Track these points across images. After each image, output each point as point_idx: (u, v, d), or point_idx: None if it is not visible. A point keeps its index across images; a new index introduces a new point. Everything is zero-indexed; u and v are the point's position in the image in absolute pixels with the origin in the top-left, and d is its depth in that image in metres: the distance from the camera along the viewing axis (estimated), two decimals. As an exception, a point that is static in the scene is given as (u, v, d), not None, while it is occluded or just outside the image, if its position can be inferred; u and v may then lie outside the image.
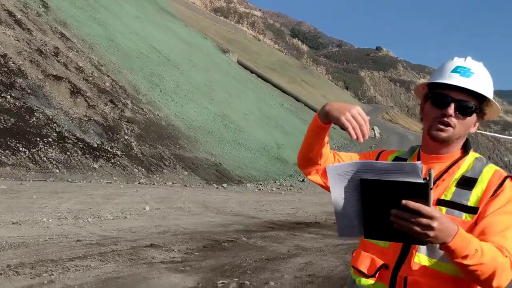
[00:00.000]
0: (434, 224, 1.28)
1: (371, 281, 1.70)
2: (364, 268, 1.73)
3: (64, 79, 19.32)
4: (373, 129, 40.98)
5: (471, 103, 1.67)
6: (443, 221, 1.31)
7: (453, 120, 1.67)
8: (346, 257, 7.43)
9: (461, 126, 1.69)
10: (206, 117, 27.15)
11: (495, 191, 1.58)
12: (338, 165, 1.44)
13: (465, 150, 1.74)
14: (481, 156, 1.74)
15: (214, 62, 39.05)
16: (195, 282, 5.52)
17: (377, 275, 1.69)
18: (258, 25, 78.66)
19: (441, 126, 1.67)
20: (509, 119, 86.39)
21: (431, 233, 1.30)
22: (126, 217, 10.07)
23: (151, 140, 20.41)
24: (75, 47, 22.99)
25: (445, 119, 1.66)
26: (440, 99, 1.69)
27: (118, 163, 17.24)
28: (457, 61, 1.74)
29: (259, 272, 6.17)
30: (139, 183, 16.54)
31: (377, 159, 1.94)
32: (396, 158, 1.87)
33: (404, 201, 1.27)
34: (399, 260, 1.62)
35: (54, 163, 14.89)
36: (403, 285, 1.59)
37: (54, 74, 19.11)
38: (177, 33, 39.15)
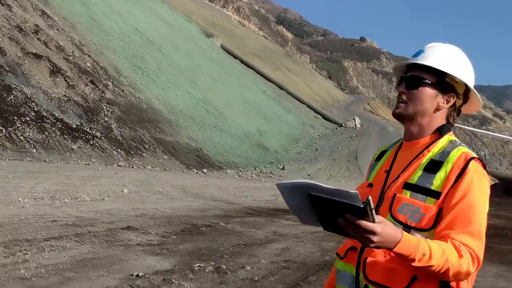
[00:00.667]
0: (374, 238, 1.37)
1: (342, 263, 1.79)
2: (339, 250, 1.85)
3: (44, 58, 18.96)
4: (354, 119, 41.25)
5: (421, 76, 1.70)
6: (384, 234, 1.38)
7: (404, 96, 1.72)
8: (322, 244, 7.52)
9: (414, 100, 1.70)
10: (188, 102, 26.99)
11: (459, 175, 1.57)
12: (288, 183, 1.46)
13: (440, 134, 1.72)
14: (456, 139, 1.71)
15: (198, 46, 38.74)
16: (171, 265, 5.52)
17: (346, 257, 1.78)
18: (244, 11, 78.14)
19: (397, 104, 1.75)
20: (487, 114, 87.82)
21: (372, 244, 1.40)
22: (103, 199, 9.99)
23: (131, 122, 20.23)
24: (56, 26, 22.55)
25: (399, 97, 1.74)
26: (397, 81, 1.78)
27: (97, 144, 17.06)
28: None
29: (236, 256, 6.20)
30: (118, 165, 16.41)
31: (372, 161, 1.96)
32: (381, 152, 1.91)
33: (347, 215, 1.36)
34: None
35: (31, 142, 14.66)
36: (362, 266, 1.67)
37: (34, 52, 18.74)
38: (161, 16, 38.66)
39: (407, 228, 1.55)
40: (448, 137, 1.72)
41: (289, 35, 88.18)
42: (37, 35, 20.11)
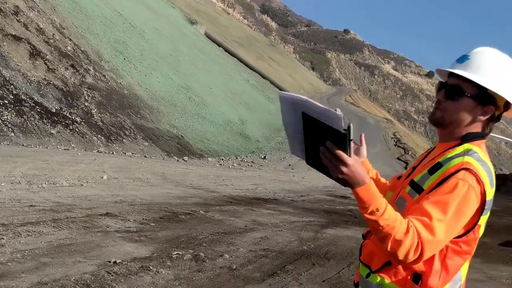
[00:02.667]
0: (344, 169, 1.46)
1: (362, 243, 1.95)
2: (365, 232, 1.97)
3: (23, 40, 18.58)
4: (335, 110, 41.48)
5: (461, 86, 1.67)
6: (353, 169, 1.47)
7: (443, 104, 1.71)
8: (300, 234, 7.58)
9: (451, 109, 1.70)
10: (170, 88, 26.78)
11: (445, 178, 1.59)
12: (289, 95, 1.53)
13: (462, 141, 1.70)
14: (475, 149, 1.67)
15: (181, 33, 38.38)
16: (149, 252, 5.52)
17: (366, 237, 1.92)
18: (228, -1, 77.50)
19: (434, 110, 1.75)
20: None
21: (340, 175, 1.48)
22: (82, 184, 9.90)
23: (112, 108, 20.01)
24: (36, 7, 22.08)
25: (438, 103, 1.74)
26: (437, 86, 1.77)
27: (76, 130, 16.85)
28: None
29: (214, 244, 6.23)
30: (98, 151, 16.25)
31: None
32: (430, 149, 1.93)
33: (328, 142, 1.45)
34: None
35: (9, 126, 14.41)
36: (360, 247, 1.88)
37: (13, 34, 18.34)
38: (145, 1, 38.15)
39: None
40: (468, 145, 1.68)
41: (273, 24, 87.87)
42: (17, 16, 19.68)
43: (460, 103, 1.68)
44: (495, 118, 1.73)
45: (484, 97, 1.66)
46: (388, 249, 1.52)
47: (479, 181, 1.58)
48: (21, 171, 10.04)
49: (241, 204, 10.30)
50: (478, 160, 1.63)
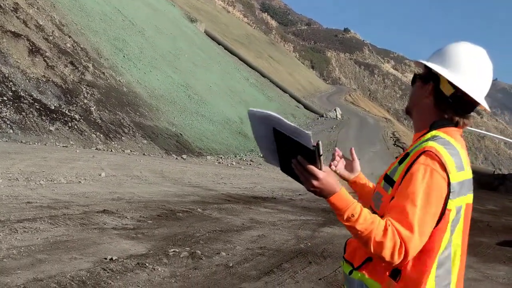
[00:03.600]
0: (315, 182, 1.51)
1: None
2: None
3: (22, 37, 18.56)
4: (335, 110, 41.47)
5: (424, 72, 1.76)
6: (324, 181, 1.51)
7: (410, 93, 1.84)
8: (297, 232, 7.58)
9: (411, 95, 1.82)
10: (169, 86, 26.76)
11: (409, 166, 1.60)
12: (258, 111, 1.56)
13: (430, 128, 1.71)
14: (442, 135, 1.67)
15: (181, 31, 38.34)
16: (146, 249, 5.52)
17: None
18: (228, -3, 77.42)
19: None
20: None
21: (312, 188, 1.53)
22: (80, 182, 9.90)
23: (111, 106, 20.00)
24: (36, 4, 22.05)
25: None
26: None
27: (75, 127, 16.84)
28: None
29: (211, 242, 6.22)
30: (97, 149, 16.24)
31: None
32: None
33: (299, 157, 1.50)
34: None
35: (8, 123, 14.40)
36: (345, 245, 1.91)
37: (13, 30, 18.32)
38: (144, -2, 38.09)
39: (374, 214, 1.60)
40: (436, 132, 1.69)
41: (273, 23, 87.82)
42: (16, 13, 19.65)
43: (415, 86, 1.79)
44: (452, 104, 1.68)
45: (428, 76, 1.73)
46: (372, 251, 1.53)
47: (441, 163, 1.57)
48: (19, 168, 10.03)
49: (239, 202, 10.29)
50: (443, 144, 1.62)
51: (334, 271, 5.49)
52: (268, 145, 1.61)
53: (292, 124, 1.47)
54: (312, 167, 1.49)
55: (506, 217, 13.35)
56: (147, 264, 4.94)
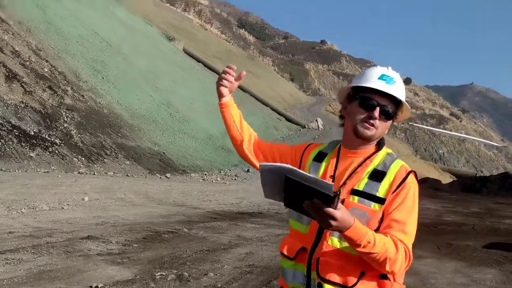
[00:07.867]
0: (334, 223, 1.59)
1: (292, 262, 1.97)
2: (286, 251, 2.01)
3: (-2, 63, 18.34)
4: (316, 120, 41.70)
5: (392, 108, 1.90)
6: (341, 220, 1.59)
7: (377, 122, 1.89)
8: (286, 247, 7.54)
9: (383, 128, 1.92)
10: (150, 106, 26.64)
11: (399, 185, 1.83)
12: (269, 164, 1.66)
13: (378, 146, 1.96)
14: (392, 152, 1.96)
15: (159, 50, 38.32)
16: (132, 274, 5.43)
17: (297, 257, 1.94)
18: (205, 14, 77.75)
19: (368, 125, 1.89)
20: (444, 113, 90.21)
21: (330, 227, 1.62)
22: (63, 208, 9.75)
23: (92, 128, 19.82)
24: (11, 30, 21.87)
25: (371, 120, 1.88)
26: (368, 102, 1.89)
27: (56, 151, 16.63)
28: (381, 70, 1.94)
29: (199, 263, 6.16)
30: (79, 172, 16.04)
31: (304, 151, 2.17)
32: (319, 153, 2.11)
33: (315, 200, 1.56)
34: (315, 243, 1.87)
35: (-14, 151, 14.15)
36: (315, 265, 1.85)
37: (-13, 57, 18.11)
38: (121, 19, 38.04)
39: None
40: (385, 150, 1.96)
41: (251, 38, 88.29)
42: (-9, 39, 19.45)
43: (388, 122, 1.93)
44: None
45: (395, 114, 1.95)
46: (387, 269, 1.72)
47: (417, 178, 1.90)
48: (-1, 197, 9.85)
49: (225, 219, 10.23)
50: (403, 162, 1.93)
51: (323, 285, 5.47)
52: (272, 187, 1.68)
53: (312, 175, 1.58)
54: (330, 210, 1.57)
55: (490, 219, 13.49)
56: (134, 290, 4.86)
